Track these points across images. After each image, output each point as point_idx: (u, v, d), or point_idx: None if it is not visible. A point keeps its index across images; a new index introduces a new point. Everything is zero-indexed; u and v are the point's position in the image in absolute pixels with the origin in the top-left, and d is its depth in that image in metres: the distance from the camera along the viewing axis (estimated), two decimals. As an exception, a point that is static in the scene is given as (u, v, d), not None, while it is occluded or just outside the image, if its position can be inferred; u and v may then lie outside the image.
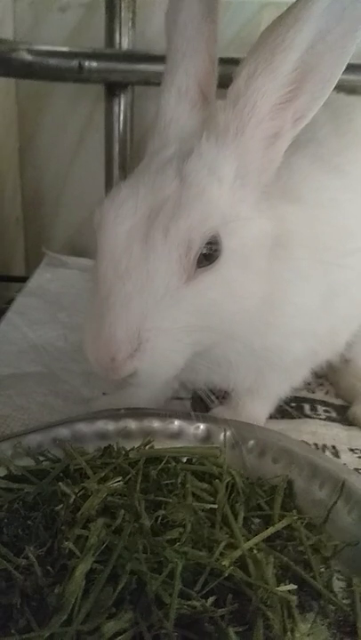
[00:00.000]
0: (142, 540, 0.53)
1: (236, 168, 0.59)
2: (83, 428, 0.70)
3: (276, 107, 0.57)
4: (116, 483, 0.61)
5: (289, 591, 0.51)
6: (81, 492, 0.59)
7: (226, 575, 0.51)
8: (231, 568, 0.52)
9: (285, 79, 0.56)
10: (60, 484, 0.60)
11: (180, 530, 0.55)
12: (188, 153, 0.59)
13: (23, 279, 1.31)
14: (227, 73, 0.61)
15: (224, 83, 0.62)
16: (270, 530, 0.58)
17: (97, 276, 0.57)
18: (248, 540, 0.55)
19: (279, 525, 0.59)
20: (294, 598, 0.51)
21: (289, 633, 0.49)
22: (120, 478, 0.62)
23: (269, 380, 0.75)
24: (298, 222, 0.64)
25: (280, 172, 0.62)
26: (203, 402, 0.83)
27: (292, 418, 0.86)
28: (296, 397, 0.91)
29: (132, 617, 0.47)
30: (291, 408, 0.88)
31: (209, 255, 0.56)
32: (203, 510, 0.58)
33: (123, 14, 1.23)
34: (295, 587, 0.52)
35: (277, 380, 0.77)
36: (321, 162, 0.71)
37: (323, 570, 0.56)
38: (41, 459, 0.67)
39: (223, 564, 0.52)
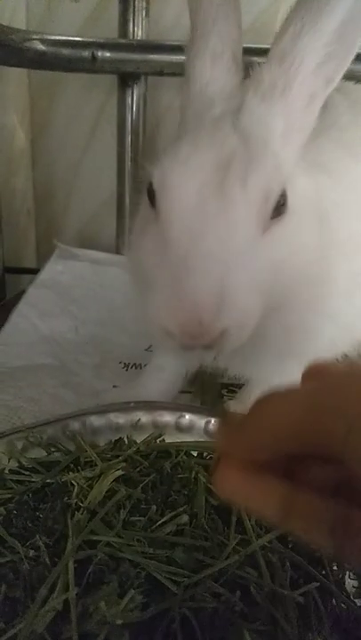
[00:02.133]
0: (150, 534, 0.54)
1: (283, 125, 0.58)
2: (93, 420, 0.70)
3: (318, 66, 0.58)
4: (120, 470, 0.61)
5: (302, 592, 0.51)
6: (89, 483, 0.59)
7: (236, 572, 0.51)
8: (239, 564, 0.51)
9: (328, 39, 0.57)
10: (70, 473, 0.60)
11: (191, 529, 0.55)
12: (236, 110, 0.58)
13: (34, 271, 1.31)
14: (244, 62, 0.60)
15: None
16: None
17: (166, 240, 0.53)
18: (260, 536, 0.55)
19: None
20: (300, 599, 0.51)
21: (298, 632, 0.49)
22: (125, 465, 0.62)
23: (286, 370, 0.74)
24: (332, 197, 0.64)
25: (308, 150, 0.62)
26: (213, 396, 0.83)
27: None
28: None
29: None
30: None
31: (279, 207, 0.55)
32: (213, 506, 0.58)
33: (136, 4, 1.22)
34: (310, 586, 0.52)
35: (293, 372, 0.76)
36: (344, 146, 0.71)
37: (335, 568, 0.56)
38: (52, 449, 0.67)
39: (235, 560, 0.51)
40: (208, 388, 0.52)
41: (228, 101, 0.60)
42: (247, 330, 0.53)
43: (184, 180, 0.53)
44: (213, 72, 0.62)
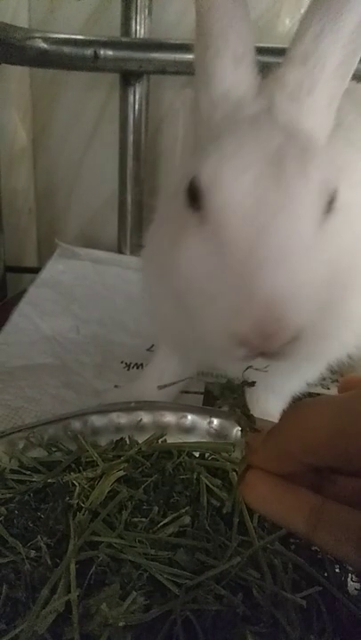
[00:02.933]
0: (152, 535, 0.53)
1: (311, 125, 0.57)
2: (95, 420, 0.70)
3: (337, 67, 0.57)
4: (123, 471, 0.61)
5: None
6: (90, 483, 0.59)
7: (239, 574, 0.50)
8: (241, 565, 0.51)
9: (347, 39, 0.56)
10: (72, 473, 0.60)
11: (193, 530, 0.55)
12: (268, 110, 0.57)
13: (36, 270, 1.30)
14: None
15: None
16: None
17: (223, 240, 0.49)
18: (262, 538, 0.55)
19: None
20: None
21: (300, 634, 0.48)
22: (126, 465, 0.62)
23: (298, 372, 0.73)
24: (345, 198, 0.63)
25: None
26: (214, 396, 0.82)
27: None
28: (310, 394, 0.90)
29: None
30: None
31: (330, 203, 0.52)
32: (216, 508, 0.58)
33: (139, 2, 1.21)
34: (311, 590, 0.51)
35: (299, 374, 0.76)
36: (353, 144, 0.71)
37: (337, 570, 0.55)
38: (53, 449, 0.66)
39: (236, 562, 0.51)
40: (232, 394, 0.49)
41: (256, 103, 0.58)
42: (314, 330, 0.49)
43: (238, 173, 0.50)
44: (236, 75, 0.59)
